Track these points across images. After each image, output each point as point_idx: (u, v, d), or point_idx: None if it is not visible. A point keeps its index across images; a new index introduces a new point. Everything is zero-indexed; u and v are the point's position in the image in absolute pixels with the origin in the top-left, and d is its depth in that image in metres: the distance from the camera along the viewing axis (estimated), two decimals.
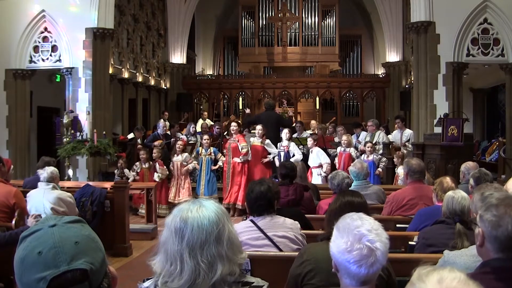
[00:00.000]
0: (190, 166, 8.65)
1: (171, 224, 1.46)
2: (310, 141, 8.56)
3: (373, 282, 1.69)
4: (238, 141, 8.54)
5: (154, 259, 1.48)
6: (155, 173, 8.38)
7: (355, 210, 2.54)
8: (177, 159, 8.65)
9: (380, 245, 1.62)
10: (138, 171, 8.55)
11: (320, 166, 8.37)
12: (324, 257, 2.21)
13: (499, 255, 1.79)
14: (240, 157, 8.44)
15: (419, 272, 1.17)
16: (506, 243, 1.77)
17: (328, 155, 8.73)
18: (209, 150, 8.70)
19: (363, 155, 8.37)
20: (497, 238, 1.78)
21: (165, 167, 8.52)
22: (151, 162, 8.56)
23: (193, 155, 8.84)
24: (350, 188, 4.50)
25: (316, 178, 8.24)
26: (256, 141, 8.61)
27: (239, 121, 11.36)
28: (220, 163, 8.71)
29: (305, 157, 8.73)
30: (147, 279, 1.56)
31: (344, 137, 8.60)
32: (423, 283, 1.13)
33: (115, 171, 8.65)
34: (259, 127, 8.64)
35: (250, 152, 8.52)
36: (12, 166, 5.20)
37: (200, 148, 8.82)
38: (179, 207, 1.50)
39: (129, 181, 8.01)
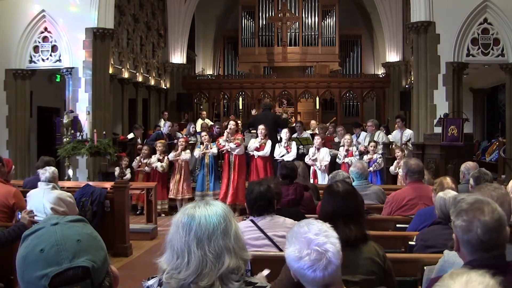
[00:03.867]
0: (183, 157, 8.69)
1: (178, 221, 1.50)
2: (318, 140, 8.56)
3: (337, 285, 1.68)
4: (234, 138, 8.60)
5: (161, 258, 1.51)
6: (158, 162, 8.55)
7: (339, 198, 2.55)
8: (185, 157, 8.71)
9: (330, 246, 1.62)
10: (139, 165, 8.72)
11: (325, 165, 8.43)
12: None
13: (473, 257, 1.84)
14: (231, 144, 8.48)
15: (453, 272, 1.21)
16: (478, 246, 1.82)
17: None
18: (209, 146, 8.76)
19: (366, 155, 8.38)
20: (469, 242, 1.83)
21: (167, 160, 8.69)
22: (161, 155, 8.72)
23: (200, 151, 8.80)
24: None
25: (321, 179, 8.25)
26: (258, 141, 8.62)
27: (238, 121, 11.37)
28: (213, 150, 8.72)
29: (303, 156, 8.75)
30: (152, 277, 1.58)
31: (347, 136, 8.64)
32: (451, 281, 1.16)
33: (116, 169, 8.68)
34: (261, 126, 8.66)
35: (242, 147, 8.61)
36: (13, 167, 5.21)
37: (202, 146, 8.86)
38: (185, 206, 1.54)
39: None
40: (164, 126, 10.38)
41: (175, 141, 9.95)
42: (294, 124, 11.19)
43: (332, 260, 1.61)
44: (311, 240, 1.63)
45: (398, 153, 8.18)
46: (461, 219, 1.85)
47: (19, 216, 4.10)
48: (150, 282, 1.55)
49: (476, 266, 1.77)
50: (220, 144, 8.63)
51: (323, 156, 8.43)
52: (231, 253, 1.45)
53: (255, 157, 8.59)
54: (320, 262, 1.60)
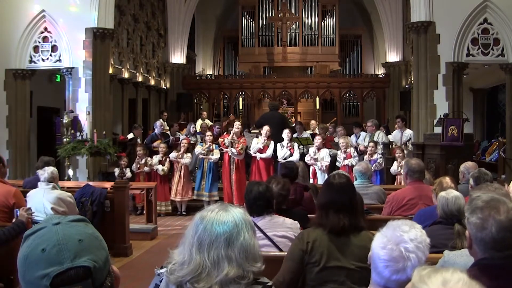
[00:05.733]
0: (183, 161, 8.70)
1: (194, 220, 1.52)
2: (318, 140, 8.56)
3: None
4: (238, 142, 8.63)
5: (176, 249, 1.53)
6: (160, 165, 8.58)
7: (334, 189, 2.66)
8: (185, 161, 8.72)
9: (415, 257, 1.59)
10: (138, 167, 8.72)
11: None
12: (322, 238, 2.49)
13: (485, 255, 1.83)
14: (233, 149, 8.50)
15: (419, 274, 1.13)
16: (491, 245, 1.81)
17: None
18: (211, 146, 8.76)
19: (366, 155, 8.36)
20: (482, 240, 1.82)
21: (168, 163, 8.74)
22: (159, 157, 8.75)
23: (201, 151, 8.82)
24: None
25: (321, 179, 8.23)
26: (260, 141, 8.62)
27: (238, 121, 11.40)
28: (214, 157, 8.73)
29: (303, 156, 8.76)
30: (164, 266, 1.60)
31: (341, 140, 8.59)
32: (425, 285, 1.09)
33: (115, 169, 8.68)
34: (266, 127, 8.67)
35: (243, 155, 8.69)
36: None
37: (203, 144, 8.86)
38: (208, 206, 1.57)
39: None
40: (155, 126, 10.34)
41: (171, 138, 9.96)
42: (293, 124, 11.19)
43: (408, 270, 1.58)
44: (402, 240, 1.61)
45: (399, 154, 8.12)
46: (476, 216, 1.84)
47: (18, 213, 4.11)
48: (162, 270, 1.57)
49: (487, 265, 1.77)
50: (224, 143, 8.64)
51: (324, 156, 8.42)
52: (232, 263, 1.43)
53: (257, 159, 8.59)
54: (396, 264, 1.58)
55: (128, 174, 8.57)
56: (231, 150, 8.57)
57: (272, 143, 8.61)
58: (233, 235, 1.46)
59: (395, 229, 1.65)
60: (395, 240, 1.62)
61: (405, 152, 8.65)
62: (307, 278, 2.46)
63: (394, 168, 8.10)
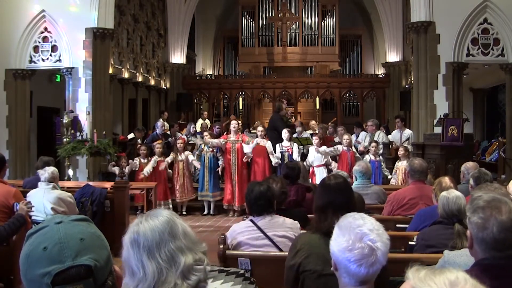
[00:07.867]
0: (193, 165, 8.70)
1: (126, 241, 1.50)
2: (316, 140, 8.55)
3: (372, 282, 1.70)
4: (242, 140, 8.58)
5: (124, 279, 1.48)
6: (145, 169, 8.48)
7: (331, 191, 2.62)
8: (181, 158, 8.69)
9: (381, 245, 1.63)
10: (137, 168, 8.65)
11: (324, 165, 8.40)
12: (316, 243, 2.38)
13: (486, 255, 1.83)
14: (248, 147, 8.47)
15: (417, 275, 1.04)
16: (492, 245, 1.81)
17: None
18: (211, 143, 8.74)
19: (367, 155, 8.35)
20: (483, 240, 1.82)
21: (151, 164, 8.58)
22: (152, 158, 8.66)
23: (196, 153, 8.85)
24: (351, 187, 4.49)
25: (320, 178, 8.22)
26: (258, 141, 8.62)
27: (239, 121, 11.38)
28: (220, 162, 8.69)
29: (304, 156, 8.76)
30: None
31: (346, 136, 8.58)
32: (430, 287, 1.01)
33: (116, 168, 8.64)
34: (260, 128, 8.70)
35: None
36: None
37: (203, 148, 8.84)
38: (131, 224, 1.54)
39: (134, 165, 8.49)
40: (157, 126, 10.34)
41: (172, 139, 9.96)
42: (294, 124, 11.17)
43: (380, 259, 1.62)
44: (364, 234, 1.63)
45: (401, 152, 8.05)
46: (477, 216, 1.84)
47: (17, 207, 4.12)
48: None
49: (488, 265, 1.77)
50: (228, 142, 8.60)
51: (324, 149, 8.39)
52: (184, 251, 1.44)
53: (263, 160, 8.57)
54: (369, 258, 1.61)
55: (136, 162, 8.49)
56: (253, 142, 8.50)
57: (269, 145, 8.56)
58: (172, 227, 1.47)
59: (351, 228, 1.65)
60: (359, 237, 1.63)
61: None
62: (305, 285, 2.44)
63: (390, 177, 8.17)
